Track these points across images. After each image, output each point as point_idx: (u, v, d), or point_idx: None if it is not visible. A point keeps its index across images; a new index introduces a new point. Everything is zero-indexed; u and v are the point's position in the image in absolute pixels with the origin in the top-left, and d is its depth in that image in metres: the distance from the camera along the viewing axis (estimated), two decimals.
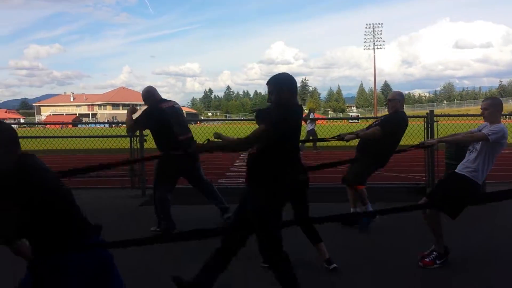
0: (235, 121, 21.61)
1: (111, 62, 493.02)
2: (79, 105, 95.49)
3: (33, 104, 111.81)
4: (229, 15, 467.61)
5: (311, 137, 13.42)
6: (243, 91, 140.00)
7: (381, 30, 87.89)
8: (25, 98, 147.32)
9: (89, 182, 7.62)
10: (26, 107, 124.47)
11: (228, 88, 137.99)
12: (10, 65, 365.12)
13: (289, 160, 3.09)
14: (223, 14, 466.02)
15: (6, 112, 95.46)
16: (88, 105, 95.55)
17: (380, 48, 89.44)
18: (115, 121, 42.67)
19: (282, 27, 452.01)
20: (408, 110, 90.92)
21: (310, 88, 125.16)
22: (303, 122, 3.65)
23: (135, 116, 5.24)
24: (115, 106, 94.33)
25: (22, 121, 64.64)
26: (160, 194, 4.99)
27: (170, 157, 4.79)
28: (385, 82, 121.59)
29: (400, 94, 5.24)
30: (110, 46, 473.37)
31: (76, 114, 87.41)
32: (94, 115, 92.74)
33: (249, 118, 8.06)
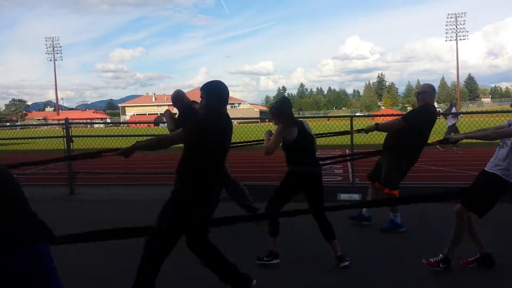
0: (308, 119, 21.57)
1: (190, 63, 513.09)
2: (160, 105, 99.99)
3: (118, 105, 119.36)
4: (302, 11, 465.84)
5: (452, 133, 12.46)
6: (317, 88, 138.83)
7: (464, 20, 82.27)
8: (111, 99, 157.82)
9: None
10: (112, 107, 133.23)
11: (302, 85, 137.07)
12: (98, 68, 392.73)
13: (209, 168, 3.06)
14: (296, 11, 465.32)
15: (94, 112, 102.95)
16: (169, 105, 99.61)
17: (463, 39, 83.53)
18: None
19: (357, 21, 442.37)
20: (495, 105, 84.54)
21: (387, 83, 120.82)
22: (442, 117, 3.65)
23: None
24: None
25: (108, 120, 69.17)
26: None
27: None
28: (469, 75, 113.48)
29: (430, 87, 4.89)
30: (189, 48, 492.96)
31: (157, 113, 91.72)
32: (174, 114, 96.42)
33: (321, 115, 7.87)
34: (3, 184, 2.25)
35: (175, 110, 5.57)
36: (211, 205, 3.14)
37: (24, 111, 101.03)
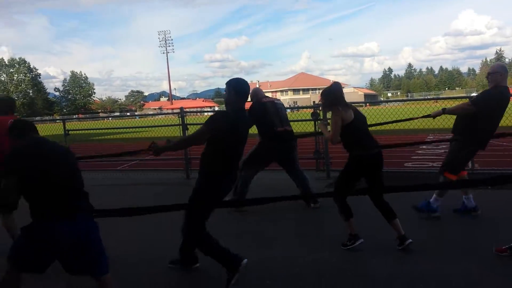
0: (417, 101, 20.17)
1: (291, 49, 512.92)
2: (264, 92, 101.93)
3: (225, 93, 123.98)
4: None
5: None
6: (427, 68, 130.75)
7: None
8: (218, 88, 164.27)
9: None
10: (219, 96, 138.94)
11: (410, 65, 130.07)
12: (206, 59, 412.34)
13: (226, 163, 3.34)
14: None
15: (203, 101, 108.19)
16: (272, 92, 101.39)
17: None
18: (296, 105, 44.42)
19: None
20: None
21: (507, 60, 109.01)
22: None
23: None
24: (295, 91, 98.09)
25: (216, 108, 72.37)
26: (246, 173, 5.60)
27: (268, 146, 5.53)
28: None
29: (501, 67, 4.56)
30: (290, 34, 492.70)
31: None
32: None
33: (432, 97, 7.52)
34: (70, 158, 2.86)
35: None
36: (221, 190, 3.41)
37: (142, 102, 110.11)
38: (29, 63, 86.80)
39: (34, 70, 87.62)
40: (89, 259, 2.76)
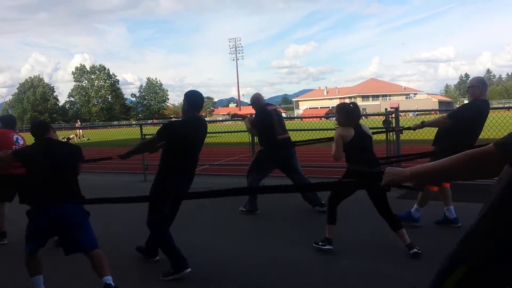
0: (496, 110, 18.58)
1: (361, 54, 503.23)
2: (332, 98, 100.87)
3: (292, 99, 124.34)
4: None
5: None
6: (507, 74, 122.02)
7: None
8: (285, 94, 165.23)
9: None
10: (286, 102, 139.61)
11: (488, 71, 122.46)
12: (273, 65, 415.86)
13: (179, 164, 3.87)
14: None
15: None
16: (340, 98, 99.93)
17: None
18: (364, 113, 43.38)
19: None
20: None
21: None
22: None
23: None
24: (365, 97, 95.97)
25: (284, 115, 72.59)
26: (251, 180, 5.91)
27: (267, 152, 5.84)
28: None
29: (479, 81, 4.71)
30: (360, 39, 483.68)
31: (329, 107, 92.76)
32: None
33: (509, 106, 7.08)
34: (57, 157, 3.44)
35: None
36: (175, 188, 3.82)
37: (211, 107, 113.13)
38: (108, 69, 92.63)
39: (113, 76, 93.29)
40: (76, 239, 3.36)
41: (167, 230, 3.88)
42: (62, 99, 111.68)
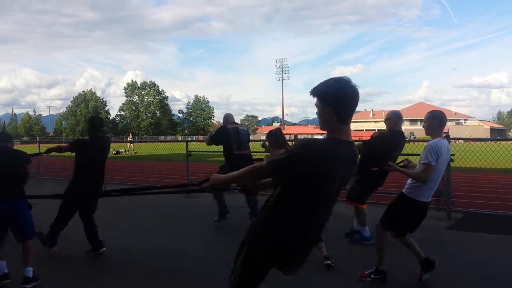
0: None
1: (410, 77, 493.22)
2: (378, 121, 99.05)
3: None
4: None
5: None
6: None
7: None
8: None
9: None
10: None
11: None
12: None
13: (85, 173, 5.07)
14: None
15: (314, 127, 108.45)
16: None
17: None
18: (412, 137, 42.12)
19: None
20: None
21: None
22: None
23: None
24: (412, 121, 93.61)
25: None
26: (216, 194, 6.42)
27: (227, 166, 6.25)
28: None
29: (394, 114, 5.31)
30: (409, 62, 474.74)
31: (375, 129, 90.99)
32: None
33: None
34: (12, 161, 4.27)
35: None
36: (87, 192, 5.01)
37: (255, 126, 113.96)
38: (158, 86, 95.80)
39: (162, 93, 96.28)
40: (16, 228, 4.22)
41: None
42: (113, 112, 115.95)
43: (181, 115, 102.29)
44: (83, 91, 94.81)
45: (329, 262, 4.38)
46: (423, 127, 4.06)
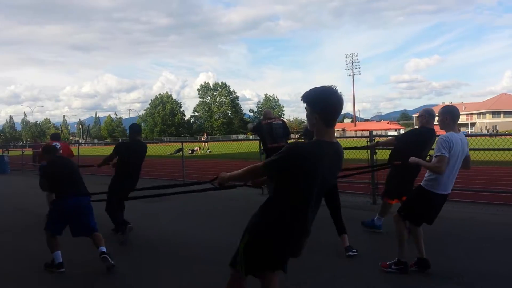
0: None
1: (491, 67, 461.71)
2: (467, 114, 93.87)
3: (412, 115, 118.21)
4: None
5: None
6: None
7: None
8: (404, 110, 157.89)
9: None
10: (405, 118, 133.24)
11: None
12: (392, 80, 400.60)
13: (124, 170, 6.00)
14: None
15: (388, 123, 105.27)
16: (466, 114, 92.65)
17: None
18: (495, 131, 39.41)
19: None
20: None
21: None
22: None
23: None
24: (495, 114, 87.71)
25: (401, 131, 69.36)
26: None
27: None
28: None
29: (426, 111, 5.38)
30: (491, 51, 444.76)
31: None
32: (472, 124, 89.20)
33: None
34: (66, 164, 4.90)
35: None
36: (123, 185, 5.88)
37: None
38: (229, 86, 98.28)
39: (233, 93, 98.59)
40: (82, 224, 4.63)
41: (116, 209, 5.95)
42: (188, 113, 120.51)
43: (251, 114, 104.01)
44: (160, 94, 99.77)
45: (351, 252, 4.73)
46: (437, 122, 4.24)
